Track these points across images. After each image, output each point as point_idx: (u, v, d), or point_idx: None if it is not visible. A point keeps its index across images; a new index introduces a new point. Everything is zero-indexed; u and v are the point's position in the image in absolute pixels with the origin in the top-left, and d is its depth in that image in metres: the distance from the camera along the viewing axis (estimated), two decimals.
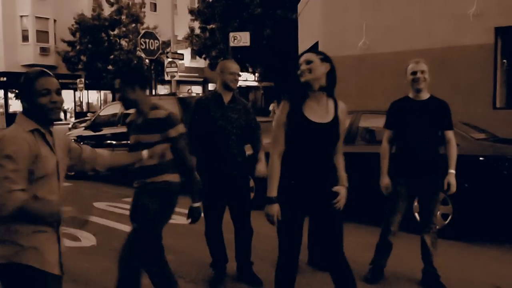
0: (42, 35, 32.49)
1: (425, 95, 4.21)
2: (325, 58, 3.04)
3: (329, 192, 3.05)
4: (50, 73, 2.42)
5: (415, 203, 5.72)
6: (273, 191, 2.99)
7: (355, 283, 3.12)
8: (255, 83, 38.78)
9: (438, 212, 5.62)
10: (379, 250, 4.40)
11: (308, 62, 3.01)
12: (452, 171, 4.09)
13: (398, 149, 4.29)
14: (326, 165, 3.08)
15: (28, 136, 2.23)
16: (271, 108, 28.49)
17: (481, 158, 5.46)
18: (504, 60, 9.38)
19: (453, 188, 4.08)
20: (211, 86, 41.69)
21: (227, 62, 4.27)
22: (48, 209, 2.24)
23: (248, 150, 4.40)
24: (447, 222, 5.57)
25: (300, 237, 3.12)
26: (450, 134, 4.18)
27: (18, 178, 2.14)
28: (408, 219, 5.67)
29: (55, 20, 32.93)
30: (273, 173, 3.02)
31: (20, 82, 2.33)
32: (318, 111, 3.02)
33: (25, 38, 32.02)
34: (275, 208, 2.98)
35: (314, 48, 13.00)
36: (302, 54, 3.12)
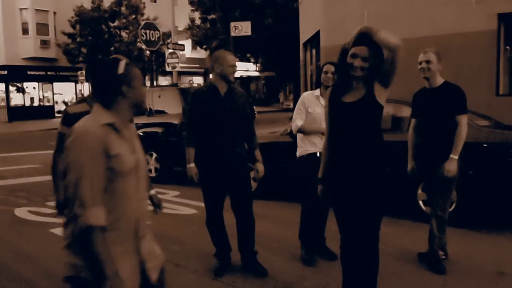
0: (42, 27, 32.34)
1: (436, 82, 4.33)
2: (376, 54, 2.91)
3: (366, 176, 2.99)
4: None
5: (419, 191, 5.73)
6: (320, 173, 3.29)
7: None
8: (257, 73, 38.66)
9: None
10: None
11: (364, 59, 2.91)
12: (453, 156, 4.13)
13: (416, 135, 4.51)
14: (360, 147, 2.99)
15: (101, 130, 1.99)
16: (282, 99, 28.57)
17: (485, 145, 5.44)
18: (507, 47, 9.33)
19: (448, 173, 4.10)
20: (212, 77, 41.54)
21: (225, 54, 4.16)
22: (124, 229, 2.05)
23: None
24: (451, 209, 5.56)
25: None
26: (459, 118, 4.19)
27: (96, 186, 1.94)
28: (411, 207, 5.68)
29: (54, 13, 32.78)
30: (322, 157, 3.30)
31: (122, 70, 2.08)
32: (356, 95, 2.99)
33: (25, 31, 31.89)
34: (318, 188, 3.32)
35: (316, 37, 12.93)
36: (360, 42, 2.92)
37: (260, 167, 4.28)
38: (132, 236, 2.12)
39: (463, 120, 4.18)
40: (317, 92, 4.51)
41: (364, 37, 2.88)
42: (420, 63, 4.31)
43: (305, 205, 4.57)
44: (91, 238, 1.90)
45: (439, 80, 4.33)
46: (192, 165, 4.14)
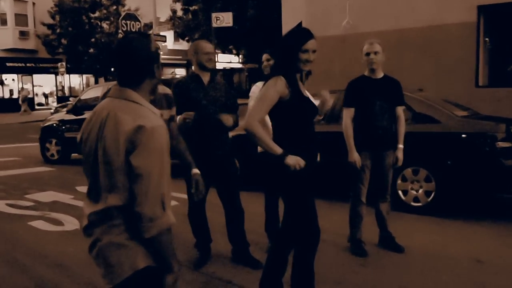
0: (21, 18, 31.78)
1: (380, 74, 4.47)
2: None
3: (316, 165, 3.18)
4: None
5: (399, 181, 5.77)
6: (278, 148, 2.92)
7: None
8: (239, 65, 38.52)
9: (421, 190, 5.68)
10: (353, 222, 4.55)
11: (314, 51, 3.02)
12: (401, 145, 4.44)
13: (360, 125, 4.45)
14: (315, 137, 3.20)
15: (165, 124, 1.92)
16: None
17: (463, 135, 5.49)
18: (487, 38, 9.42)
19: (400, 162, 4.43)
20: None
21: (201, 42, 4.20)
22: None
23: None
24: (430, 199, 5.62)
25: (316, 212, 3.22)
26: (400, 110, 4.51)
27: (169, 183, 1.86)
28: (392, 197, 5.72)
29: (34, 3, 32.23)
30: (264, 135, 2.95)
31: (154, 48, 1.95)
32: (302, 89, 3.13)
33: (3, 21, 31.31)
34: (295, 158, 2.91)
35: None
36: (309, 35, 3.03)
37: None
38: None
39: (402, 111, 4.52)
40: None
41: (311, 33, 3.08)
42: (368, 54, 4.37)
43: (268, 197, 4.57)
44: (168, 238, 1.86)
45: (381, 72, 4.49)
46: None
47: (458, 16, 9.27)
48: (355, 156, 4.36)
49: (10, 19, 31.26)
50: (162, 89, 3.25)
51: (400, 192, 5.81)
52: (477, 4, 9.10)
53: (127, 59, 1.91)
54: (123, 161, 1.79)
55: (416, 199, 5.74)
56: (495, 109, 7.58)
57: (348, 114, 4.46)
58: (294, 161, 2.90)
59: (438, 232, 5.07)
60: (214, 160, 4.11)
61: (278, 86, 2.97)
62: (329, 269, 4.12)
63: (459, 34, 9.29)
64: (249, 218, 4.45)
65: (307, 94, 3.21)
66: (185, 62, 40.14)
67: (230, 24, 18.02)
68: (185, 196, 4.31)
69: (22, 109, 29.38)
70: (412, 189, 5.75)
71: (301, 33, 3.07)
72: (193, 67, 4.25)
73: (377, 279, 3.93)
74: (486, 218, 5.58)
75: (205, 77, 4.14)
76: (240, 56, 31.56)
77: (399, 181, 5.77)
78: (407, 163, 5.68)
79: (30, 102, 29.76)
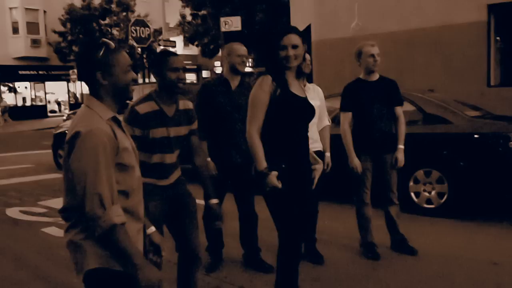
0: (32, 26, 32.11)
1: (376, 76, 4.42)
2: (304, 39, 2.98)
3: (310, 170, 3.11)
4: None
5: (411, 183, 5.73)
6: (263, 163, 2.86)
7: None
8: (249, 69, 38.60)
9: (434, 192, 5.63)
10: (361, 225, 4.51)
11: (295, 46, 2.91)
12: (401, 146, 4.36)
13: (358, 129, 4.42)
14: (308, 142, 3.09)
15: (108, 126, 1.94)
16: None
17: (475, 136, 5.44)
18: (498, 37, 9.34)
19: (401, 163, 4.34)
20: (205, 74, 41.45)
21: (234, 44, 4.11)
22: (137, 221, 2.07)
23: None
24: (443, 201, 5.57)
25: (303, 221, 3.13)
26: (399, 110, 4.43)
27: (112, 184, 1.90)
28: (405, 199, 5.69)
29: (45, 11, 32.55)
30: (257, 148, 2.90)
31: (99, 55, 1.96)
32: (297, 87, 3.03)
33: (15, 30, 31.65)
34: (274, 178, 2.83)
35: (307, 32, 12.91)
36: (285, 31, 2.96)
37: None
38: (141, 217, 2.15)
39: (401, 111, 4.45)
40: None
41: (289, 28, 3.02)
42: (373, 55, 4.32)
43: None
44: (117, 237, 1.87)
45: (377, 73, 4.45)
46: (208, 159, 4.04)
47: (468, 15, 9.21)
48: (355, 162, 4.32)
49: (22, 27, 31.61)
50: (184, 104, 3.14)
51: (412, 194, 5.76)
52: (487, 3, 9.03)
53: (77, 63, 2.10)
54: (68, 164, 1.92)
55: (428, 201, 5.69)
56: (508, 109, 7.50)
57: (345, 119, 4.42)
58: (273, 183, 2.82)
59: (452, 234, 5.02)
60: (234, 167, 4.09)
61: (264, 86, 2.92)
62: (342, 273, 4.10)
63: (469, 33, 9.22)
64: (263, 224, 4.44)
65: (305, 94, 3.09)
66: (195, 66, 40.31)
67: (239, 28, 18.04)
68: (201, 201, 4.30)
69: (3, 120, 28.76)
70: (424, 191, 5.70)
71: (278, 30, 3.02)
72: (223, 70, 4.20)
73: (390, 282, 3.90)
74: (500, 219, 5.51)
75: (234, 81, 4.08)
76: (250, 60, 31.61)
77: (411, 183, 5.73)
78: (419, 164, 5.69)
79: (12, 111, 29.97)
